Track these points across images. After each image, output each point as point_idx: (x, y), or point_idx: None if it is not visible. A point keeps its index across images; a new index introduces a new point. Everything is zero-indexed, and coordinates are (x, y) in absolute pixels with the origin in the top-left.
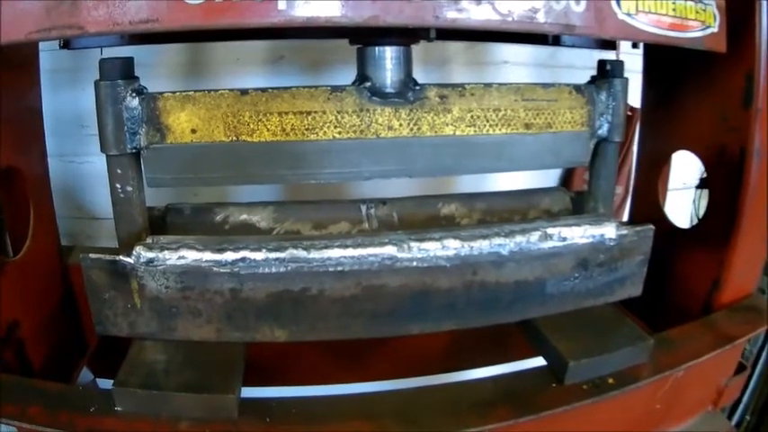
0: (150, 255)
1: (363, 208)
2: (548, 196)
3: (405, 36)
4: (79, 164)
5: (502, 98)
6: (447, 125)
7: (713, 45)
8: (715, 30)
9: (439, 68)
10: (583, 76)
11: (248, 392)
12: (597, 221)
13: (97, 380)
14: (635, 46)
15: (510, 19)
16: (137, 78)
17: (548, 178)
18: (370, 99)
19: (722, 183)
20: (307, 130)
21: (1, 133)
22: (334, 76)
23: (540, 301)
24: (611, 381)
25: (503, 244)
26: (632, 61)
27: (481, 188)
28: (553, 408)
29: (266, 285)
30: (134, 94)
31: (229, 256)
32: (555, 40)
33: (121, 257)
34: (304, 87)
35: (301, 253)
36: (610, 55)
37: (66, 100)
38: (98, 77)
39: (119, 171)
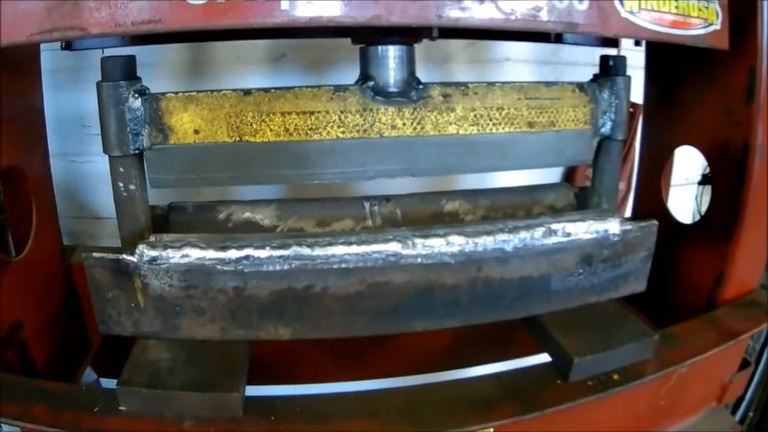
0: (153, 253)
1: (367, 205)
2: (551, 192)
3: (407, 35)
4: (81, 163)
5: (505, 97)
6: (450, 124)
7: (716, 42)
8: (717, 27)
9: (440, 66)
10: (585, 73)
11: (253, 391)
12: (601, 217)
13: (101, 379)
14: (637, 44)
15: (513, 17)
16: (139, 79)
17: (550, 174)
18: (373, 98)
19: (725, 178)
20: (310, 129)
21: (2, 133)
22: (337, 75)
23: (544, 297)
24: (615, 377)
25: (507, 240)
26: (634, 57)
27: (484, 185)
28: (558, 404)
29: (270, 283)
30: (136, 95)
31: (233, 254)
32: (557, 39)
33: (124, 256)
34: (307, 87)
35: (305, 250)
36: (611, 52)
37: (69, 99)
38: (100, 78)
39: (121, 170)
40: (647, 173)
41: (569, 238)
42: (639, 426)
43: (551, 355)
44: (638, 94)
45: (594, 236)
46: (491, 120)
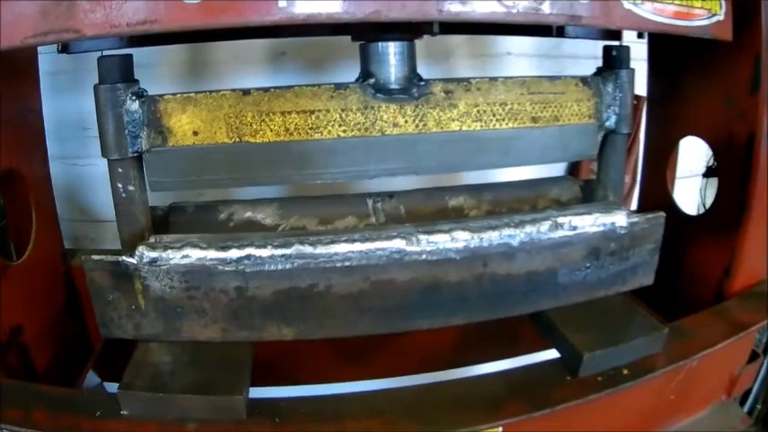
0: (153, 254)
1: (370, 202)
2: (557, 185)
3: (408, 31)
4: (82, 166)
5: (508, 92)
6: (453, 121)
7: (719, 33)
8: (721, 18)
9: (442, 61)
10: (587, 66)
11: (256, 392)
12: (608, 210)
13: (104, 383)
14: (640, 36)
15: (515, 11)
16: (136, 81)
17: (554, 168)
18: (374, 96)
19: (731, 168)
20: (311, 129)
21: (0, 136)
22: (337, 73)
23: (551, 292)
24: (625, 372)
25: (513, 234)
26: (636, 49)
27: (487, 180)
28: (568, 401)
29: (272, 283)
30: (134, 97)
31: (234, 253)
32: (559, 32)
33: (124, 258)
34: (307, 86)
35: (307, 249)
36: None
37: (68, 102)
38: (97, 80)
39: (120, 170)
40: (652, 165)
41: (576, 232)
42: (649, 420)
43: (560, 351)
44: (641, 86)
45: (601, 229)
46: (494, 115)
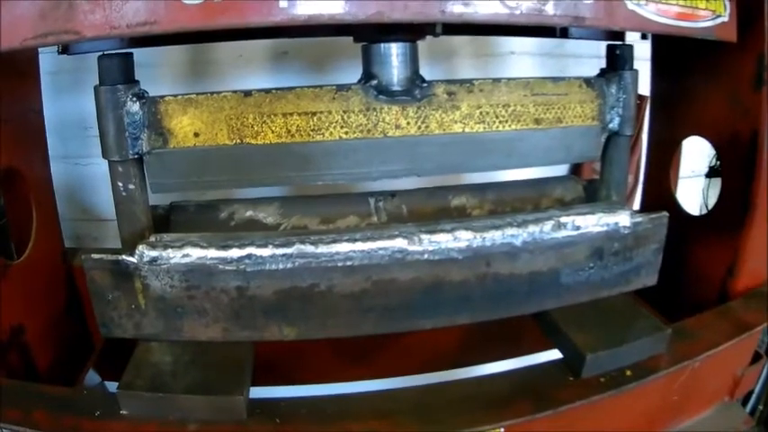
0: (154, 253)
1: (372, 201)
2: (560, 185)
3: (410, 32)
4: (84, 166)
5: (511, 93)
6: (456, 122)
7: (724, 34)
8: (726, 19)
9: (444, 61)
10: (590, 65)
11: (257, 393)
12: (611, 209)
13: (105, 382)
14: (644, 37)
15: (518, 12)
16: (137, 82)
17: (557, 167)
18: (376, 98)
19: (735, 167)
20: (312, 130)
21: (0, 135)
22: (340, 72)
23: (555, 292)
24: (628, 373)
25: (516, 234)
26: (639, 48)
27: (490, 180)
28: (571, 402)
29: (273, 282)
30: (135, 99)
31: (235, 252)
32: (562, 33)
33: (124, 257)
34: (308, 87)
35: (309, 248)
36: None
37: (69, 101)
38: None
39: (120, 170)
40: (656, 165)
41: (579, 232)
42: (652, 421)
43: (563, 352)
44: (644, 86)
45: (605, 229)
46: (497, 117)
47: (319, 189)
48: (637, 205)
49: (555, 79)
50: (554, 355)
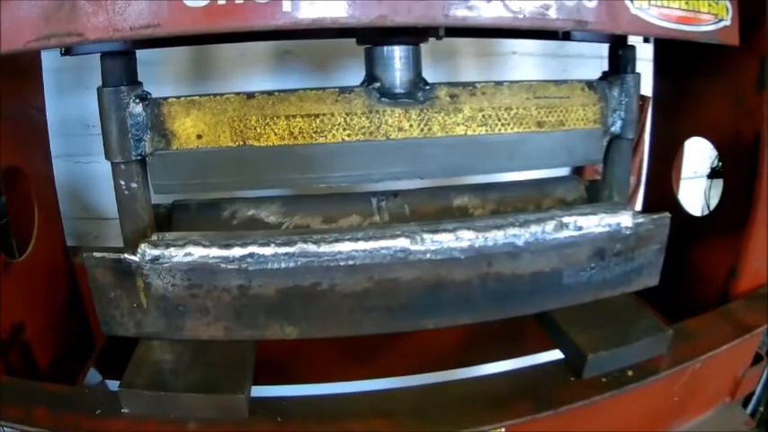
0: (156, 252)
1: (374, 200)
2: (562, 185)
3: (413, 35)
4: (86, 164)
5: (513, 96)
6: (458, 125)
7: (726, 38)
8: (728, 23)
9: (446, 60)
10: (592, 66)
11: (259, 391)
12: (613, 210)
13: (106, 381)
14: (646, 40)
15: (521, 16)
16: (140, 83)
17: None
18: (379, 100)
19: (737, 168)
20: (315, 133)
21: (1, 133)
22: (343, 71)
23: (556, 292)
24: (630, 373)
25: (518, 234)
26: (641, 49)
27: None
28: (572, 402)
29: (275, 281)
30: (137, 100)
31: (237, 251)
32: (564, 36)
33: (126, 255)
34: (311, 89)
35: (311, 247)
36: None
37: (72, 100)
38: (101, 81)
39: (122, 169)
40: (658, 165)
41: (581, 232)
42: (653, 422)
43: (564, 352)
44: (646, 87)
45: (607, 229)
46: (499, 120)
47: (321, 189)
48: (639, 206)
49: (557, 82)
50: (556, 355)
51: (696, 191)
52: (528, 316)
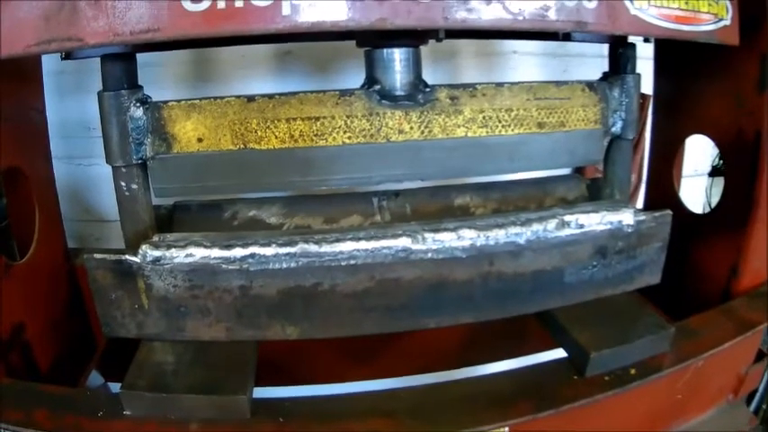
0: (157, 253)
1: (375, 200)
2: (563, 184)
3: (413, 37)
4: (87, 166)
5: (514, 98)
6: (459, 127)
7: (726, 38)
8: (728, 22)
9: (447, 60)
10: (593, 65)
11: (260, 392)
12: (614, 208)
13: (108, 383)
14: (647, 40)
15: (521, 18)
16: (140, 87)
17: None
18: (379, 102)
19: (738, 167)
20: (316, 135)
21: (2, 134)
22: (343, 71)
23: (558, 291)
24: (632, 371)
25: (519, 233)
26: (642, 47)
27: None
28: (575, 401)
29: (277, 281)
30: (138, 104)
31: (238, 252)
32: (564, 36)
33: (127, 257)
34: (312, 92)
35: (312, 247)
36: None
37: (72, 102)
38: (101, 86)
39: (123, 172)
40: (659, 163)
41: (583, 230)
42: (656, 420)
43: (567, 351)
44: (647, 85)
45: (608, 227)
46: (500, 121)
47: (322, 190)
48: (640, 204)
49: (558, 83)
50: (558, 354)
51: (697, 189)
52: (530, 315)
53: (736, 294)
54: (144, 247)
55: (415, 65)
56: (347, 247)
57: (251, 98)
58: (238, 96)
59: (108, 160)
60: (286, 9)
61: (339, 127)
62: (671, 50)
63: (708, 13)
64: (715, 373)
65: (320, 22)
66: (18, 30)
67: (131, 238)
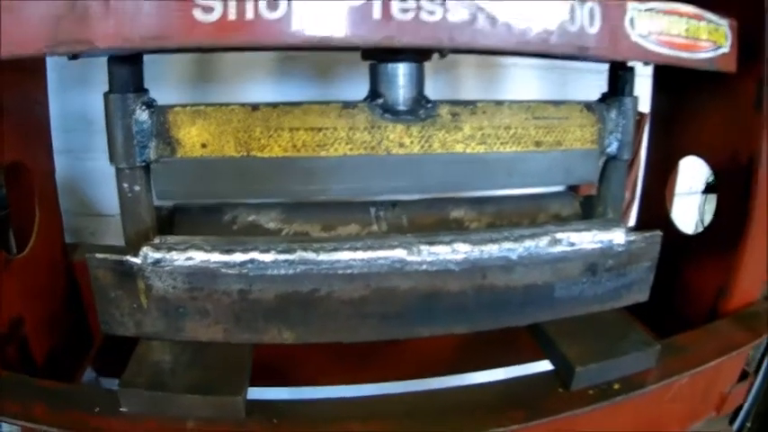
0: (158, 255)
1: (373, 210)
2: (557, 200)
3: (418, 53)
4: (86, 160)
5: (513, 116)
6: (458, 142)
7: (724, 65)
8: (726, 50)
9: (447, 71)
10: (591, 80)
11: (255, 393)
12: (606, 227)
13: (101, 379)
14: (647, 63)
15: (524, 41)
16: (146, 91)
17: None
18: (381, 116)
19: (731, 189)
20: (317, 146)
21: (5, 128)
22: (344, 75)
23: (548, 305)
24: (616, 386)
25: (512, 248)
26: (640, 66)
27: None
28: (558, 413)
29: (275, 287)
30: (144, 108)
31: (238, 257)
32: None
33: (128, 258)
34: (315, 103)
35: (310, 255)
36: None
37: (74, 95)
38: (107, 75)
39: (127, 173)
40: (653, 183)
41: (574, 248)
42: None
43: (554, 363)
44: (644, 103)
45: (599, 246)
46: (498, 139)
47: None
48: (632, 221)
49: (556, 103)
50: (549, 365)
51: (691, 206)
52: (521, 327)
53: (723, 315)
54: (145, 248)
55: (418, 80)
56: (344, 256)
57: (255, 106)
58: (243, 104)
59: (112, 161)
60: (296, 24)
61: (341, 138)
62: (670, 70)
63: (707, 40)
64: (699, 391)
65: (329, 38)
66: (29, 30)
67: (132, 239)
